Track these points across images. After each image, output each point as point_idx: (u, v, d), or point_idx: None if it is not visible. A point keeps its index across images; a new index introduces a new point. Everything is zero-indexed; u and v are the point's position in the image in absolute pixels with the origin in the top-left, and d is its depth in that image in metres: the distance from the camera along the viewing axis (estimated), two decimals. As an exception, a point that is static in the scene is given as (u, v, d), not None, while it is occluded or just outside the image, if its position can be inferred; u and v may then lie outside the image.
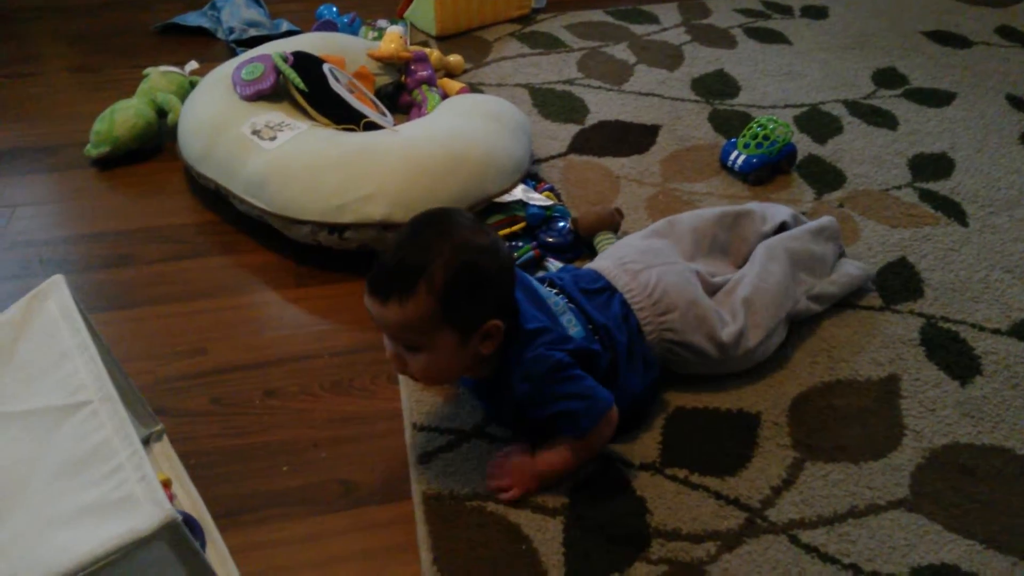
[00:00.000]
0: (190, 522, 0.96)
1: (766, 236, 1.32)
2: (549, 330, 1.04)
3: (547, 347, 1.02)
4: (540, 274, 1.21)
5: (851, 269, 1.35)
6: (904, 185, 1.64)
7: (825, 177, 1.66)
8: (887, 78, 2.01)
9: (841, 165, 1.70)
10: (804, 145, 1.74)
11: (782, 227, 1.35)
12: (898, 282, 1.40)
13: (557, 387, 1.02)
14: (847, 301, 1.36)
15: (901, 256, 1.46)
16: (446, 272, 0.94)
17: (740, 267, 1.29)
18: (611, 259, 1.21)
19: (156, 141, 1.69)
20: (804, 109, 1.88)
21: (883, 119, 1.85)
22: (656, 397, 1.17)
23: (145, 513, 0.67)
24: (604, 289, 1.15)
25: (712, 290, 1.22)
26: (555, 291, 1.13)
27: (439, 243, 0.96)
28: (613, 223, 1.43)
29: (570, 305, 1.11)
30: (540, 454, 1.06)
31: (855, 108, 1.89)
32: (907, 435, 1.15)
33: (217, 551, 0.97)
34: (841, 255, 1.38)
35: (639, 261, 1.19)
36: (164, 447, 1.08)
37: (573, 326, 1.08)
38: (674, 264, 1.21)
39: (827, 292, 1.30)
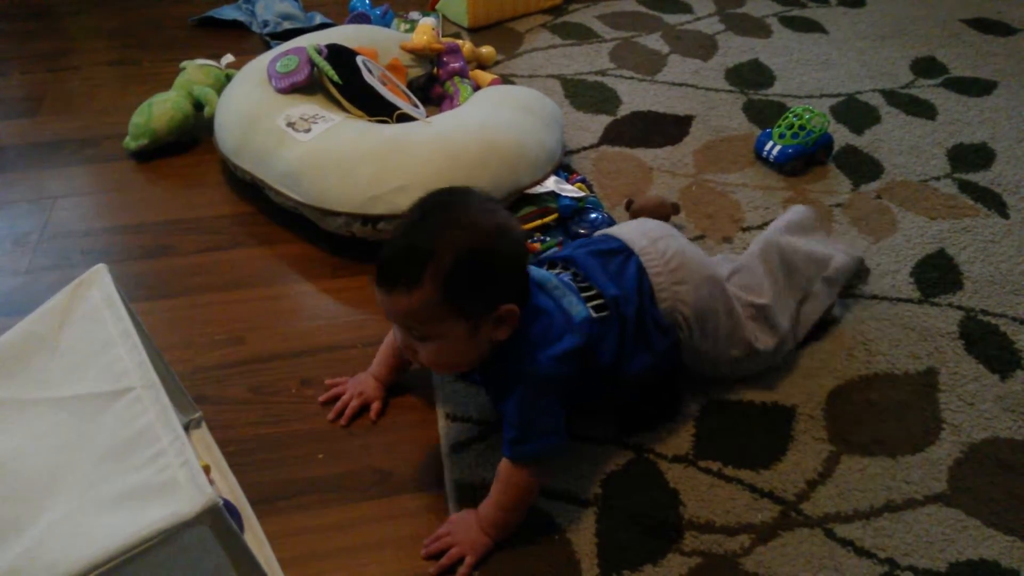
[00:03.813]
0: (228, 507, 0.98)
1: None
2: (549, 315, 1.00)
3: (552, 358, 0.97)
4: (548, 252, 1.18)
5: (840, 259, 1.29)
6: (943, 176, 1.62)
7: (862, 168, 1.64)
8: (926, 67, 1.98)
9: (879, 156, 1.67)
10: (841, 135, 1.72)
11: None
12: (936, 274, 1.38)
13: (534, 399, 0.97)
14: (884, 294, 1.34)
15: (940, 248, 1.44)
16: (454, 259, 0.90)
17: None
18: (631, 226, 1.18)
19: (193, 134, 1.71)
20: (841, 99, 1.85)
21: (922, 109, 1.82)
22: (678, 361, 1.13)
23: (187, 497, 0.68)
24: (620, 251, 1.11)
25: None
26: (555, 270, 1.10)
27: (446, 228, 0.92)
28: (665, 214, 1.43)
29: (571, 283, 1.07)
30: (473, 512, 1.00)
31: (893, 98, 1.86)
32: (945, 429, 1.13)
33: (255, 536, 0.99)
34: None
35: (657, 231, 1.14)
36: (203, 434, 1.10)
37: (575, 307, 1.03)
38: (690, 243, 1.17)
39: (826, 290, 1.25)
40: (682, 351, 1.12)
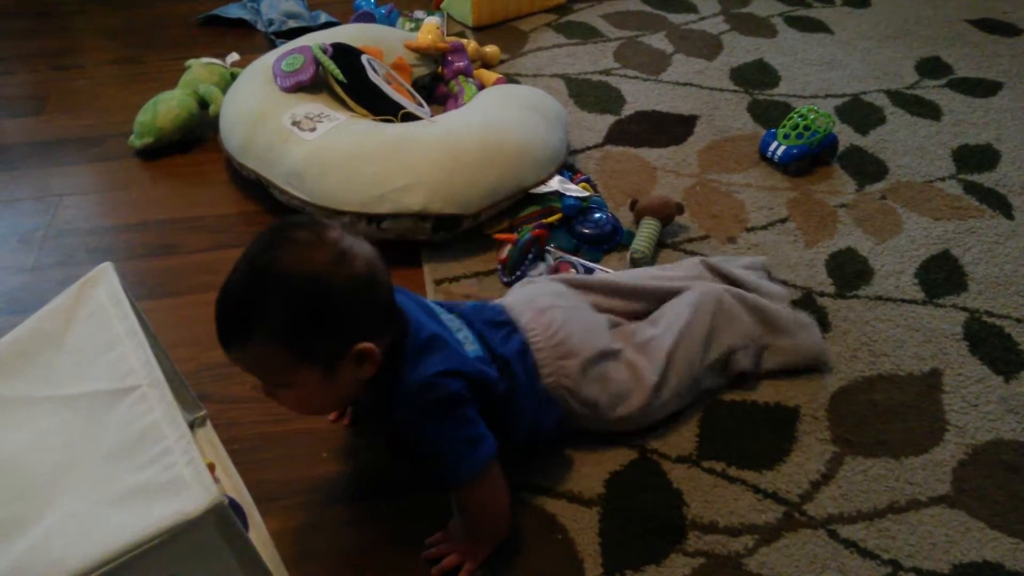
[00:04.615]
0: (233, 506, 0.98)
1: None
2: (444, 341, 0.93)
3: (440, 375, 0.90)
4: (443, 301, 1.12)
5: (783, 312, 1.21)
6: (948, 177, 1.62)
7: (867, 168, 1.64)
8: (931, 68, 1.97)
9: (883, 156, 1.67)
10: (845, 136, 1.72)
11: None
12: (941, 275, 1.38)
13: (441, 426, 0.90)
14: (888, 295, 1.34)
15: (944, 249, 1.43)
16: (281, 305, 0.82)
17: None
18: (519, 296, 1.13)
19: (198, 132, 1.72)
20: (846, 99, 1.85)
21: (927, 109, 1.82)
22: (564, 431, 1.08)
23: (193, 496, 0.69)
24: (506, 324, 1.06)
25: (625, 337, 1.13)
26: (452, 317, 1.03)
27: (267, 276, 0.83)
28: (668, 214, 1.43)
29: (469, 325, 1.02)
30: (457, 526, 0.99)
31: (898, 98, 1.85)
32: (949, 431, 1.13)
33: (259, 534, 0.99)
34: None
35: (546, 301, 1.10)
36: (208, 432, 1.11)
37: (470, 343, 0.98)
38: (582, 310, 1.13)
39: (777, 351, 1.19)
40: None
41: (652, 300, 1.21)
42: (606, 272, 1.32)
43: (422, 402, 0.89)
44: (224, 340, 0.86)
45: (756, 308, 1.18)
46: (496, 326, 1.05)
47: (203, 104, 1.71)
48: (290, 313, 0.83)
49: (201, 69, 1.76)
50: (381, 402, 0.92)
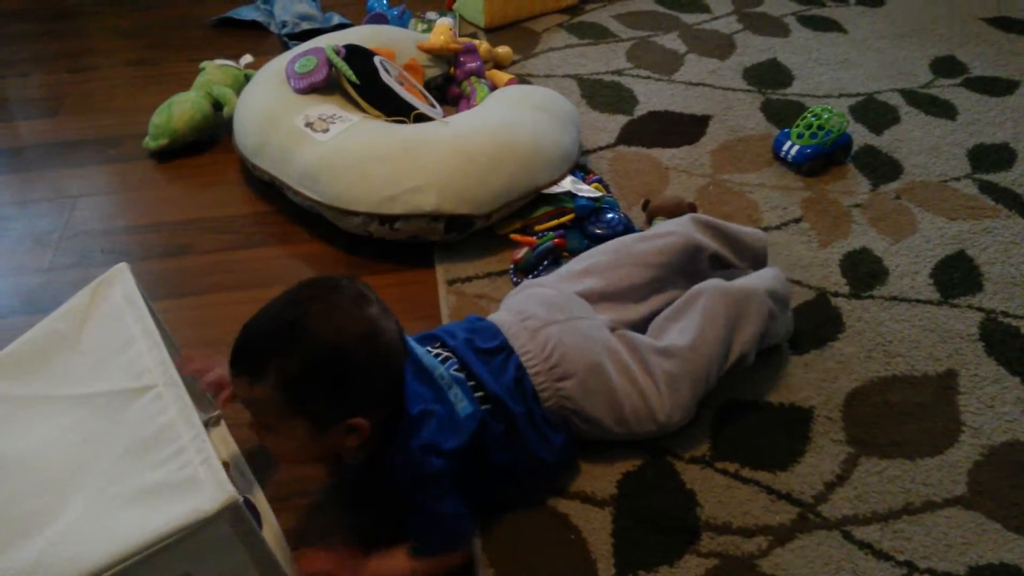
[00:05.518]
0: (247, 504, 0.98)
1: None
2: (432, 415, 0.92)
3: (423, 450, 0.90)
4: (434, 330, 1.07)
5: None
6: (963, 176, 1.60)
7: (881, 168, 1.63)
8: (946, 66, 1.96)
9: (898, 156, 1.66)
10: (860, 135, 1.71)
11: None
12: (957, 276, 1.37)
13: (422, 498, 0.91)
14: (903, 296, 1.33)
15: (960, 249, 1.42)
16: (305, 363, 0.84)
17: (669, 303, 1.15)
18: (512, 312, 1.10)
19: (213, 133, 1.72)
20: (860, 99, 1.84)
21: (942, 109, 1.80)
22: (573, 458, 1.07)
23: (208, 494, 0.69)
24: (501, 349, 1.04)
25: (631, 349, 1.08)
26: (444, 356, 1.01)
27: (300, 331, 0.85)
28: (680, 214, 1.41)
29: (458, 374, 0.99)
30: (374, 558, 0.93)
31: (912, 98, 1.84)
32: (965, 432, 1.13)
33: (272, 533, 1.00)
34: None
35: (539, 317, 1.07)
36: (222, 432, 1.11)
37: (460, 401, 0.96)
38: (580, 320, 1.09)
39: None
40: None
41: (650, 286, 1.17)
42: None
43: (405, 480, 0.91)
44: (235, 365, 0.88)
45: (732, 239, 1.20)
46: (489, 354, 1.03)
47: (217, 106, 1.72)
48: (306, 373, 0.85)
49: (215, 71, 1.77)
50: (370, 468, 0.95)
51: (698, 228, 1.21)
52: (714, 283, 1.13)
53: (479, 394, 0.99)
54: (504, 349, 1.04)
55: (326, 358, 0.85)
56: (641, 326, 1.15)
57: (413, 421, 0.91)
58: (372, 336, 0.88)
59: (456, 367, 1.00)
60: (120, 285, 0.90)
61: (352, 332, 0.86)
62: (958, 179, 1.60)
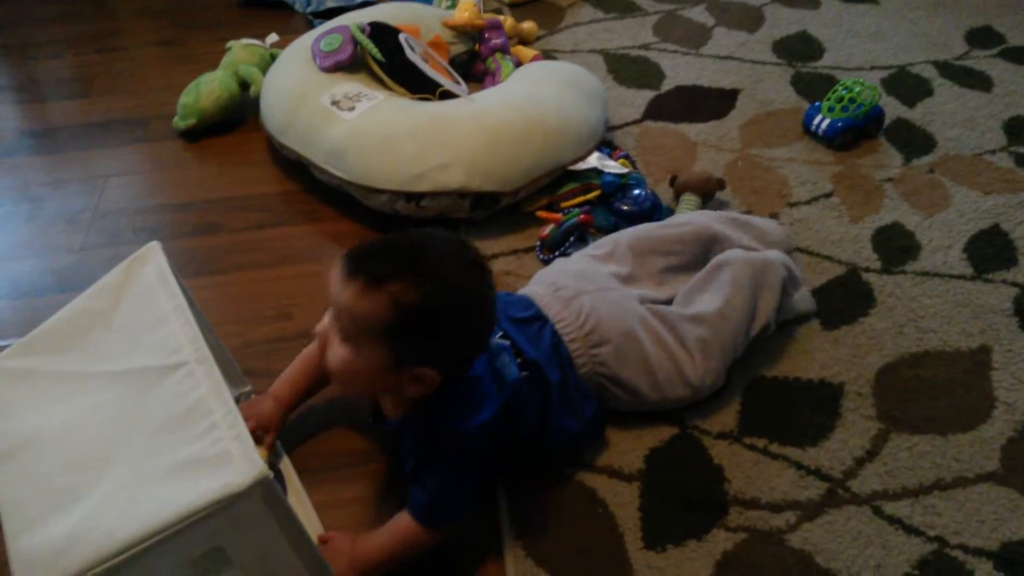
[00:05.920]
0: (278, 479, 1.00)
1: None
2: (480, 380, 0.94)
3: (472, 429, 0.91)
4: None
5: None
6: (999, 149, 1.57)
7: (914, 141, 1.60)
8: (981, 37, 1.91)
9: (931, 129, 1.63)
10: (892, 108, 1.68)
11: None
12: (991, 250, 1.35)
13: (453, 470, 0.92)
14: (936, 271, 1.31)
15: (994, 223, 1.40)
16: (424, 297, 0.84)
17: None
18: (543, 284, 1.12)
19: (240, 113, 1.73)
20: (892, 71, 1.81)
21: (976, 80, 1.76)
22: (602, 429, 1.09)
23: (240, 469, 0.70)
24: (536, 319, 1.06)
25: (661, 318, 1.10)
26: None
27: (445, 269, 0.86)
28: (709, 190, 1.41)
29: (503, 341, 1.01)
30: (362, 538, 0.95)
31: (946, 69, 1.80)
32: (998, 407, 1.11)
33: (303, 507, 1.01)
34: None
35: (571, 287, 1.09)
36: (252, 408, 1.12)
37: (508, 367, 0.97)
38: (610, 290, 1.11)
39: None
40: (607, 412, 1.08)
41: (681, 250, 1.21)
42: None
43: (447, 443, 0.92)
44: (353, 271, 0.85)
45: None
46: (525, 323, 1.05)
47: (244, 85, 1.72)
48: (421, 306, 0.84)
49: (242, 50, 1.77)
50: (400, 429, 0.96)
51: (722, 224, 1.24)
52: (736, 252, 1.16)
53: (518, 359, 1.00)
54: (539, 319, 1.06)
55: (445, 305, 0.86)
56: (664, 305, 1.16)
57: (461, 390, 0.92)
58: (484, 306, 0.90)
59: (500, 335, 1.02)
60: (152, 263, 0.91)
61: (475, 294, 0.89)
62: (993, 152, 1.56)
